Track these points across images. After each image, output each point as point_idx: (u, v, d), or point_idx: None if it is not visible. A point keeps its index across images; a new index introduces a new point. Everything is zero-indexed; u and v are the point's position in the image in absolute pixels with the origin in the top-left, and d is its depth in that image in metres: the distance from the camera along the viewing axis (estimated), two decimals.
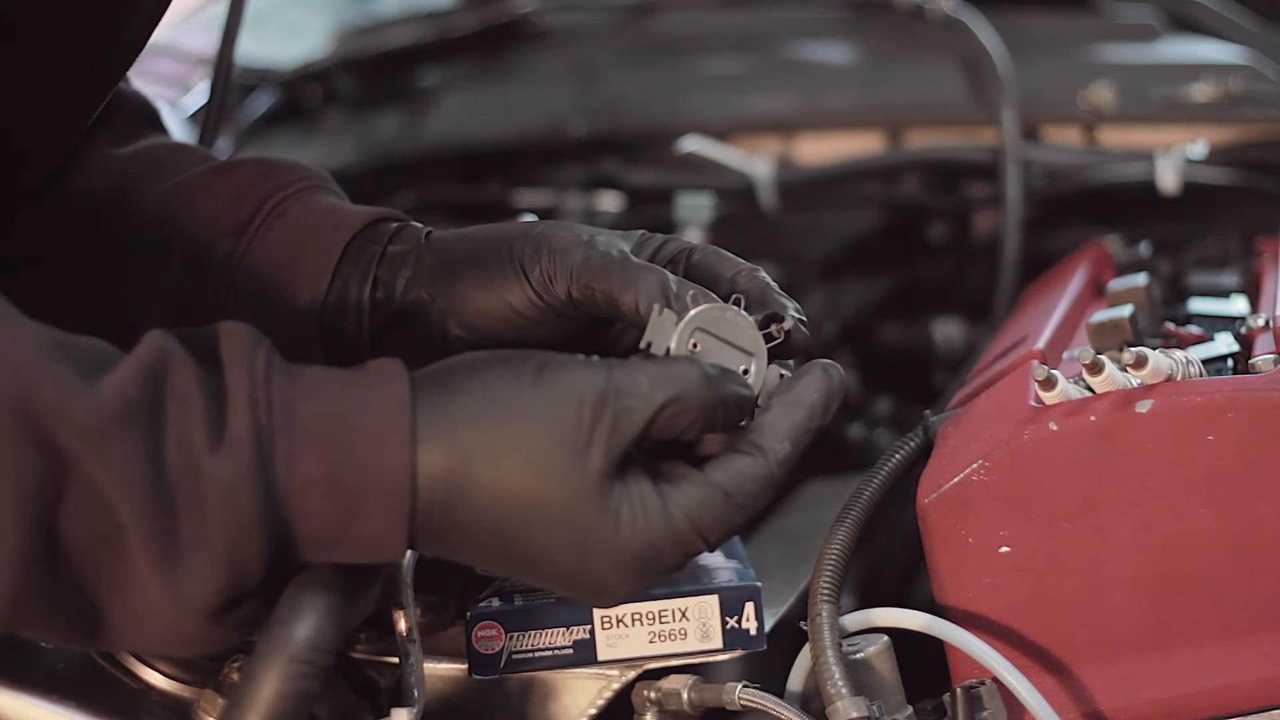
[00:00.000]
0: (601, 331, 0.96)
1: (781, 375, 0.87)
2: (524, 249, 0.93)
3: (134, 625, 0.77)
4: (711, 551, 0.84)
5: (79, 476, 0.74)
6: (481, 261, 0.94)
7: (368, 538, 0.79)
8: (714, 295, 0.89)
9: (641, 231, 0.95)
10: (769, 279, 0.92)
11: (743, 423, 0.85)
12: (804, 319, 0.90)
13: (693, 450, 0.85)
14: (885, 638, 0.94)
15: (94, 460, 0.74)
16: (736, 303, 0.87)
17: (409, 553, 0.90)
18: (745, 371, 0.86)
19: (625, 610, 0.93)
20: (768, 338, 0.88)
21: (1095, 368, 0.92)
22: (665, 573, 0.83)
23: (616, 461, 0.81)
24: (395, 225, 0.99)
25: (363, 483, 0.78)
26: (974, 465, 0.93)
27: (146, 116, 1.11)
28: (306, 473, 0.78)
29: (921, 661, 0.95)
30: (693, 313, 0.86)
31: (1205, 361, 0.98)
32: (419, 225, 1.00)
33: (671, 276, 0.89)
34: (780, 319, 0.88)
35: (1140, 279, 1.17)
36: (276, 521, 0.77)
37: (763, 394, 0.86)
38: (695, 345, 0.85)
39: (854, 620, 0.93)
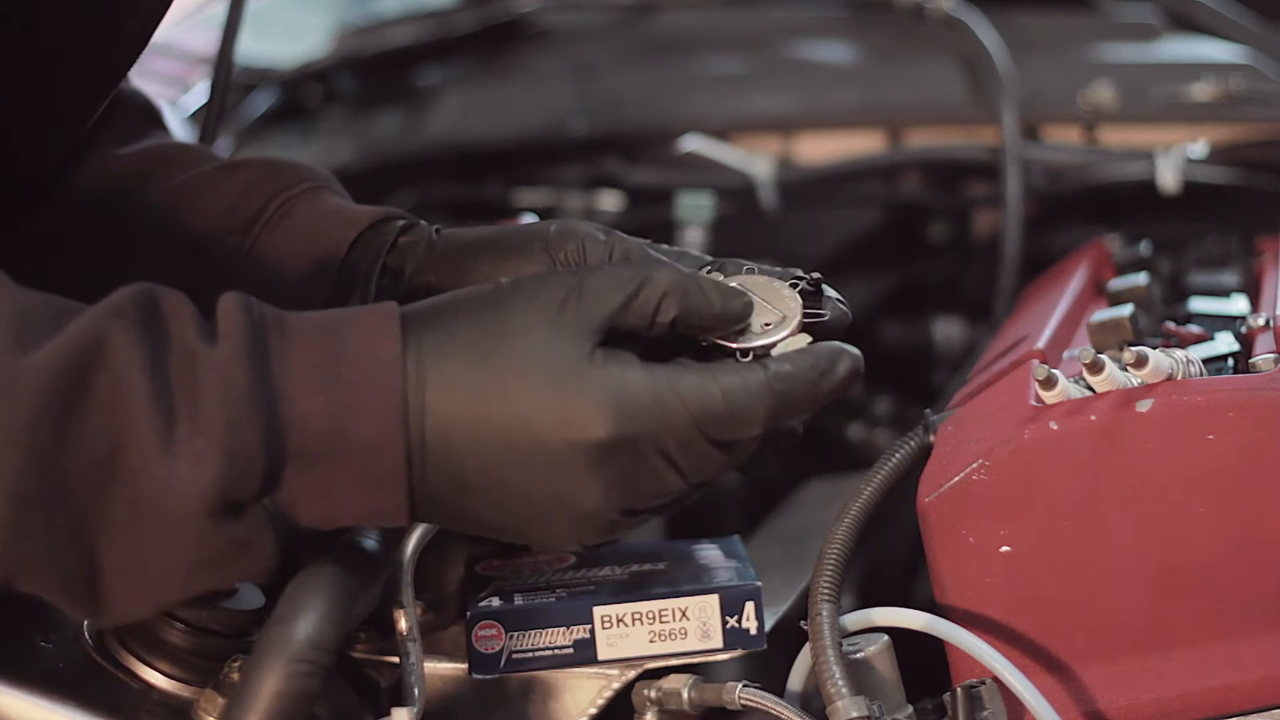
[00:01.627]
0: None
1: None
2: (549, 233, 0.95)
3: (131, 561, 0.77)
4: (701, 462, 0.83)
5: (84, 385, 0.75)
6: (497, 247, 0.96)
7: (366, 443, 0.79)
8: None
9: (648, 242, 0.96)
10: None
11: (742, 330, 0.87)
12: (844, 300, 0.92)
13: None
14: (885, 637, 0.94)
15: (95, 365, 0.75)
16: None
17: (408, 552, 0.90)
18: (769, 326, 0.88)
19: (625, 610, 0.93)
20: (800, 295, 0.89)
21: (1096, 367, 0.92)
22: (643, 438, 0.81)
23: (595, 327, 0.82)
24: (403, 223, 1.00)
25: (357, 378, 0.79)
26: (974, 465, 0.93)
27: (149, 116, 1.11)
28: (300, 368, 0.78)
29: (922, 661, 0.95)
30: (742, 275, 0.89)
31: (1206, 361, 0.98)
32: (426, 225, 1.00)
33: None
34: (804, 278, 0.90)
35: (1140, 278, 1.17)
36: (272, 416, 0.77)
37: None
38: None
39: (854, 620, 0.93)
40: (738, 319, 0.87)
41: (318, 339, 0.79)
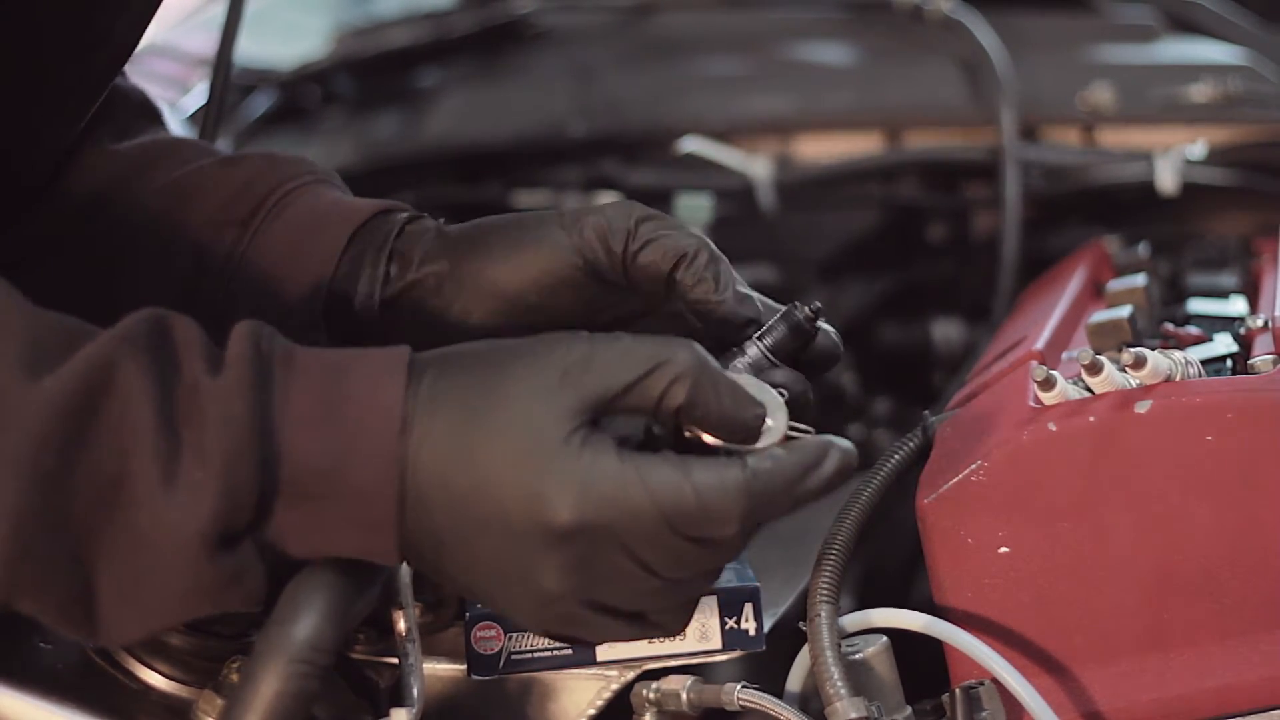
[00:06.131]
0: (621, 302, 0.96)
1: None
2: (563, 214, 0.94)
3: (128, 586, 0.77)
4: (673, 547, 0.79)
5: (92, 411, 0.75)
6: (512, 229, 0.95)
7: (358, 487, 0.78)
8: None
9: (678, 224, 0.96)
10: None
11: (748, 448, 0.82)
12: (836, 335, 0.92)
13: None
14: (884, 638, 0.94)
15: (105, 392, 0.75)
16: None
17: None
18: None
19: None
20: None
21: (1094, 368, 0.92)
22: (605, 528, 0.78)
23: (587, 406, 0.79)
24: (407, 214, 1.00)
25: (355, 420, 0.78)
26: (973, 466, 0.93)
27: (147, 112, 1.11)
28: (300, 406, 0.78)
29: (921, 662, 0.95)
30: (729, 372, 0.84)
31: (1204, 362, 0.98)
32: (432, 219, 1.00)
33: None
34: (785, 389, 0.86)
35: (1139, 279, 1.17)
36: (269, 448, 0.77)
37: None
38: None
39: (853, 621, 0.93)
40: (743, 429, 0.82)
41: (323, 377, 0.79)
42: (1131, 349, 0.93)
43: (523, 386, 0.79)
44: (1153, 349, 0.95)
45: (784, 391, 0.85)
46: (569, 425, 0.79)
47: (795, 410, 0.84)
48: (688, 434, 0.82)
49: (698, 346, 0.81)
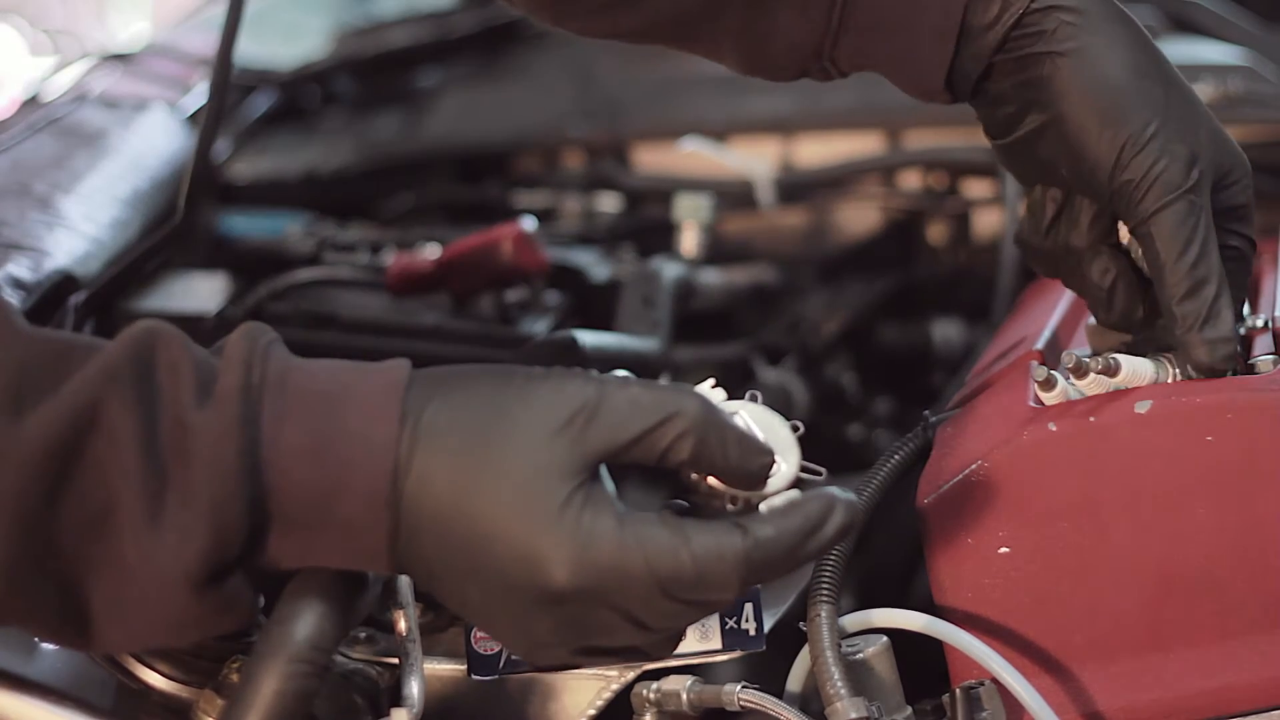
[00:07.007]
0: None
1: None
2: None
3: (119, 611, 0.77)
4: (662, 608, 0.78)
5: (77, 451, 0.74)
6: None
7: (349, 521, 0.78)
8: None
9: None
10: None
11: (754, 493, 0.81)
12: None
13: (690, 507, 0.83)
14: (884, 638, 0.94)
15: (90, 429, 0.75)
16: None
17: None
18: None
19: None
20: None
21: (1079, 371, 0.92)
22: (599, 594, 0.78)
23: (589, 461, 0.78)
24: None
25: (347, 456, 0.77)
26: (973, 466, 0.93)
27: None
28: (291, 439, 0.77)
29: (921, 662, 0.95)
30: (744, 403, 0.83)
31: None
32: None
33: None
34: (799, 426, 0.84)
35: None
36: (258, 485, 0.76)
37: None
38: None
39: (853, 621, 0.93)
40: (749, 479, 0.81)
41: (316, 407, 0.78)
42: (1102, 356, 0.93)
43: (525, 433, 0.78)
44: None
45: (799, 425, 0.84)
46: (570, 484, 0.78)
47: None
48: (694, 475, 0.82)
49: (705, 396, 0.80)
